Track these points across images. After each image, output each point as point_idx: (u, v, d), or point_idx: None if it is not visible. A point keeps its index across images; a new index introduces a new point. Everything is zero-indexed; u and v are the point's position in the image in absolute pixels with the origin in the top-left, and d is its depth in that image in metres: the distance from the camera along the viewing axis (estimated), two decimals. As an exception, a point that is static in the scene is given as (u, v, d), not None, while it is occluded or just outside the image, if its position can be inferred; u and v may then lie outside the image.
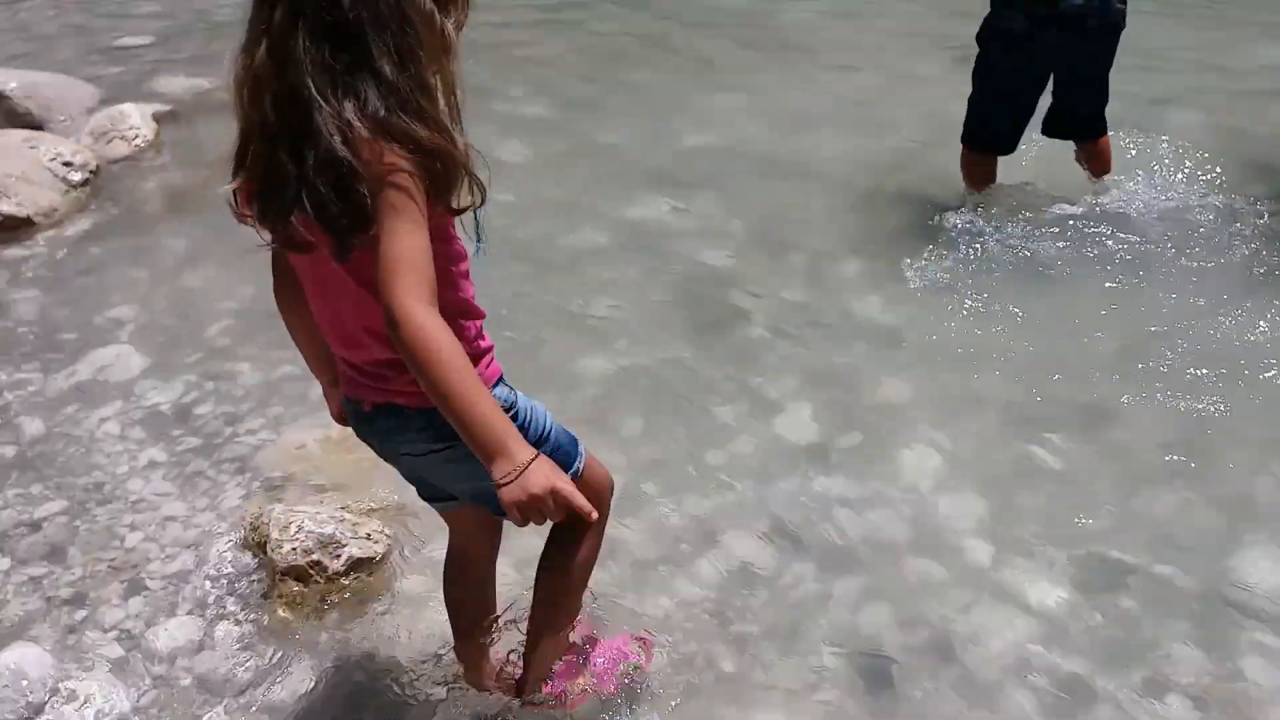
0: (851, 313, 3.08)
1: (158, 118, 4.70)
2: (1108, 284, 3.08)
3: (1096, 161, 3.44)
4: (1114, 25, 3.18)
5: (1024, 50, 3.21)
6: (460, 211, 1.34)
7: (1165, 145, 3.72)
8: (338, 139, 1.23)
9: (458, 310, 1.42)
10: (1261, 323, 2.85)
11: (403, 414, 1.47)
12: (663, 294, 3.22)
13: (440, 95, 1.31)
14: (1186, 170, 3.57)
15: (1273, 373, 2.67)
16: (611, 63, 5.12)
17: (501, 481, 1.27)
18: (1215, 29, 5.15)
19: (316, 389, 2.74)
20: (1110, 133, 3.44)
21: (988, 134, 3.42)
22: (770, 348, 2.94)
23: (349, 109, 1.24)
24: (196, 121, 4.75)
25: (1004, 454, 2.49)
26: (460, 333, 1.37)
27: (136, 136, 4.49)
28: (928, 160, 3.74)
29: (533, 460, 1.28)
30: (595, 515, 1.35)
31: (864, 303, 3.13)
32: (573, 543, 1.69)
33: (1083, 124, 3.39)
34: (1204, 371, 2.67)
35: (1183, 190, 3.48)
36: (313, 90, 1.24)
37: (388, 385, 1.46)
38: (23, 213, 3.79)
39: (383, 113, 1.25)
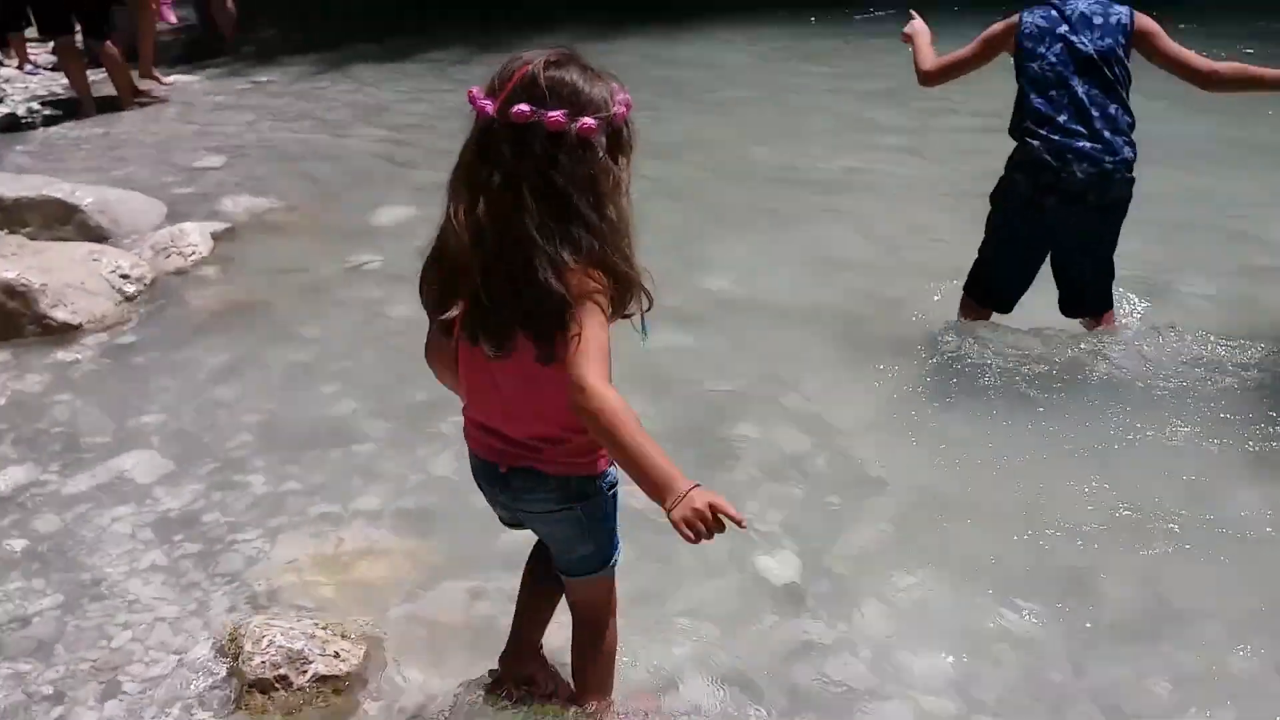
0: (842, 457, 3.13)
1: (216, 236, 5.00)
2: (1097, 445, 3.10)
3: (1104, 334, 3.51)
4: (1114, 203, 3.25)
5: (1027, 215, 3.32)
6: (626, 316, 1.74)
7: (1174, 306, 3.77)
8: (552, 276, 1.62)
9: None
10: (1252, 497, 2.83)
11: (540, 477, 1.83)
12: (662, 426, 3.30)
13: (620, 227, 1.68)
14: (1193, 333, 3.59)
15: (1254, 546, 2.65)
16: (645, 203, 5.34)
17: (670, 506, 1.56)
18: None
19: (317, 505, 2.94)
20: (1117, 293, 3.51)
21: (986, 289, 3.53)
22: (757, 487, 2.99)
23: (566, 252, 1.63)
24: (251, 240, 5.05)
25: (975, 611, 2.49)
26: None
27: (193, 253, 4.78)
28: (939, 309, 3.83)
29: (693, 488, 1.57)
30: (746, 522, 1.62)
31: (855, 448, 3.18)
32: (594, 636, 2.04)
33: (1091, 303, 3.48)
34: (1187, 545, 2.66)
35: (1188, 353, 3.50)
36: (536, 239, 1.63)
37: (537, 455, 1.82)
38: (76, 320, 4.06)
39: (596, 249, 1.65)
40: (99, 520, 2.91)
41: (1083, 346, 3.52)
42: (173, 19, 9.46)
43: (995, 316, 3.60)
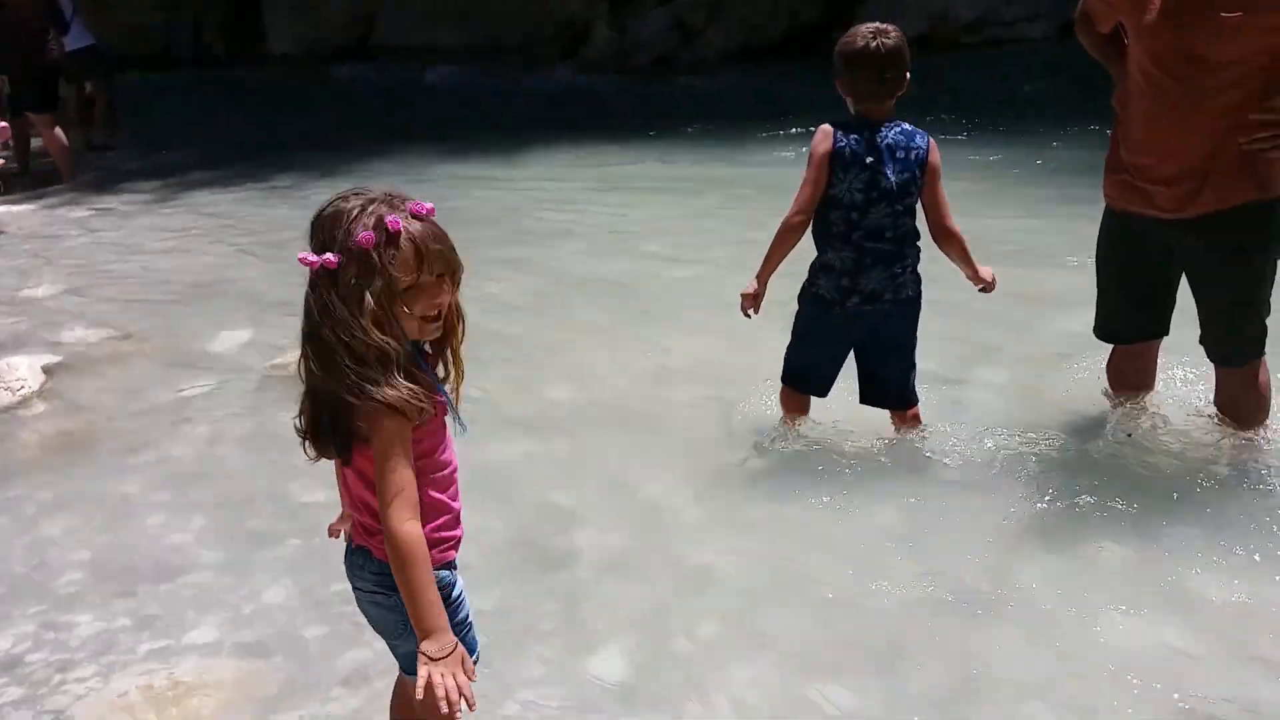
0: (674, 556, 3.27)
1: (47, 368, 4.89)
2: (907, 527, 3.33)
3: (910, 426, 3.78)
4: (909, 301, 3.59)
5: (830, 314, 3.61)
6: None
7: (973, 398, 4.11)
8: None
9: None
10: (1035, 571, 3.08)
11: (368, 556, 1.97)
12: (503, 533, 3.38)
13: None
14: (989, 423, 3.91)
15: (1032, 618, 2.88)
16: (494, 316, 5.48)
17: (425, 651, 1.78)
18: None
19: (146, 641, 2.90)
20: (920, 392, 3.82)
21: (800, 379, 3.81)
22: (592, 588, 3.10)
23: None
24: (84, 371, 4.96)
25: (799, 692, 2.63)
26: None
27: (21, 387, 4.66)
28: (761, 405, 4.06)
29: (455, 649, 1.81)
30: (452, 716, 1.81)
31: (690, 543, 3.33)
32: None
33: (894, 395, 3.75)
34: (979, 611, 2.89)
35: (988, 442, 3.80)
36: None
37: (368, 536, 1.96)
38: (-109, 461, 3.90)
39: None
40: (-92, 673, 2.79)
41: (892, 436, 3.79)
42: None
43: (814, 405, 3.85)
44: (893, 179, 3.44)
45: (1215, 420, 3.57)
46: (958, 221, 3.55)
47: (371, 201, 1.79)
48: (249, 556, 3.30)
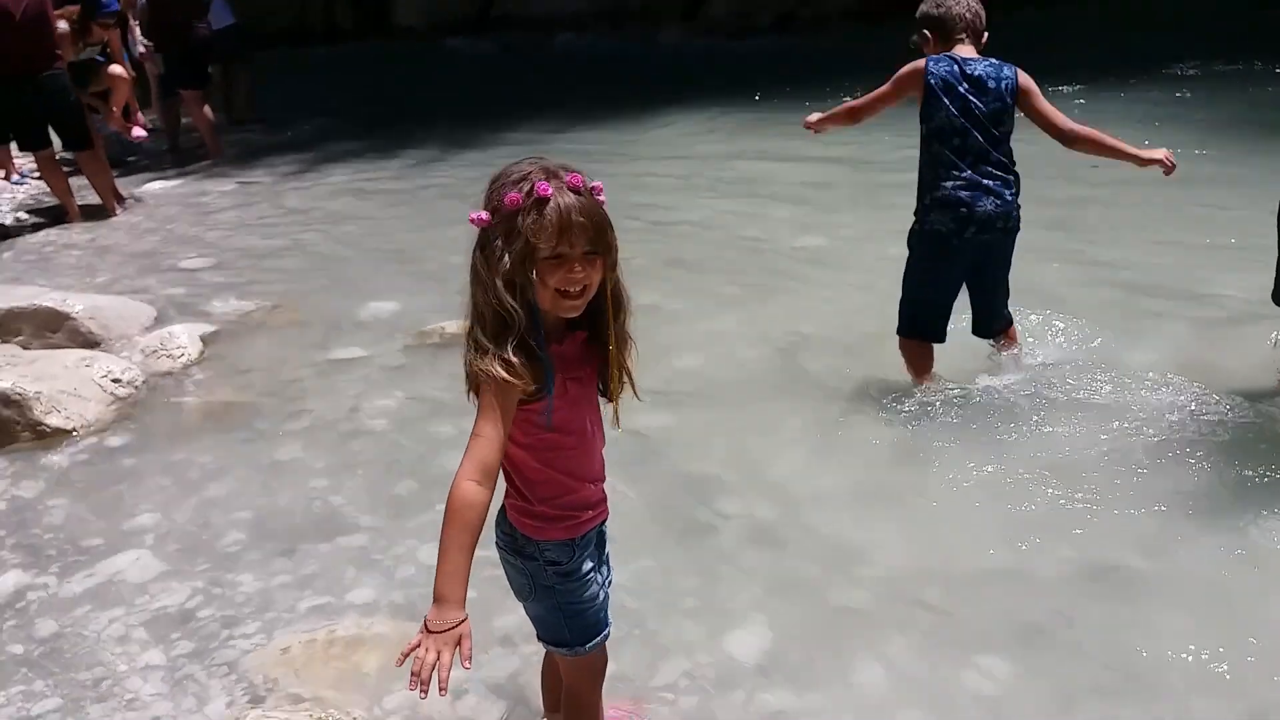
0: (815, 530, 3.24)
1: (204, 337, 5.13)
2: (1052, 490, 3.23)
3: (1010, 344, 3.97)
4: (1015, 228, 3.74)
5: (946, 249, 3.71)
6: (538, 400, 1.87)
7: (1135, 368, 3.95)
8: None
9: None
10: (1197, 551, 2.94)
11: (503, 516, 2.02)
12: (641, 505, 3.40)
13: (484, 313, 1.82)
14: (1151, 394, 3.74)
15: (1197, 599, 2.76)
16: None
17: (426, 617, 1.74)
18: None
19: (307, 599, 3.03)
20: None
21: (920, 326, 3.89)
22: (732, 561, 3.09)
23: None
24: (239, 340, 5.19)
25: (945, 673, 2.58)
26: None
27: (182, 354, 4.91)
28: (893, 370, 4.00)
29: (457, 626, 1.75)
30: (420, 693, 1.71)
31: (831, 514, 3.29)
32: (572, 713, 2.18)
33: (1005, 320, 3.95)
34: (1141, 591, 2.77)
35: (1150, 414, 3.63)
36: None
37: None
38: (69, 425, 4.16)
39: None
40: (96, 623, 2.98)
41: (1030, 389, 3.74)
42: (141, 134, 9.72)
43: (939, 363, 3.90)
44: (985, 108, 3.60)
45: None
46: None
47: (535, 168, 1.80)
48: (401, 520, 3.41)
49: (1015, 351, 3.98)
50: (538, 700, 2.42)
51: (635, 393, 1.98)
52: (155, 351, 4.91)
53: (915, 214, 3.81)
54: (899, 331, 3.93)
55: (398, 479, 3.68)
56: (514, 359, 1.77)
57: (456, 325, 4.33)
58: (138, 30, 10.45)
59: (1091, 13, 13.61)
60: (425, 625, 1.73)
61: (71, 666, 2.79)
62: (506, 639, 2.75)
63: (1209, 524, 3.03)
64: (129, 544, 3.40)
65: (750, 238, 6.32)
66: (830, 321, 4.81)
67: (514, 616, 2.78)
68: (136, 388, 4.55)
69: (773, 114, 9.99)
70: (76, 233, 7.61)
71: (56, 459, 3.99)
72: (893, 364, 4.01)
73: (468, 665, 1.75)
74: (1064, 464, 3.38)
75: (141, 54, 10.46)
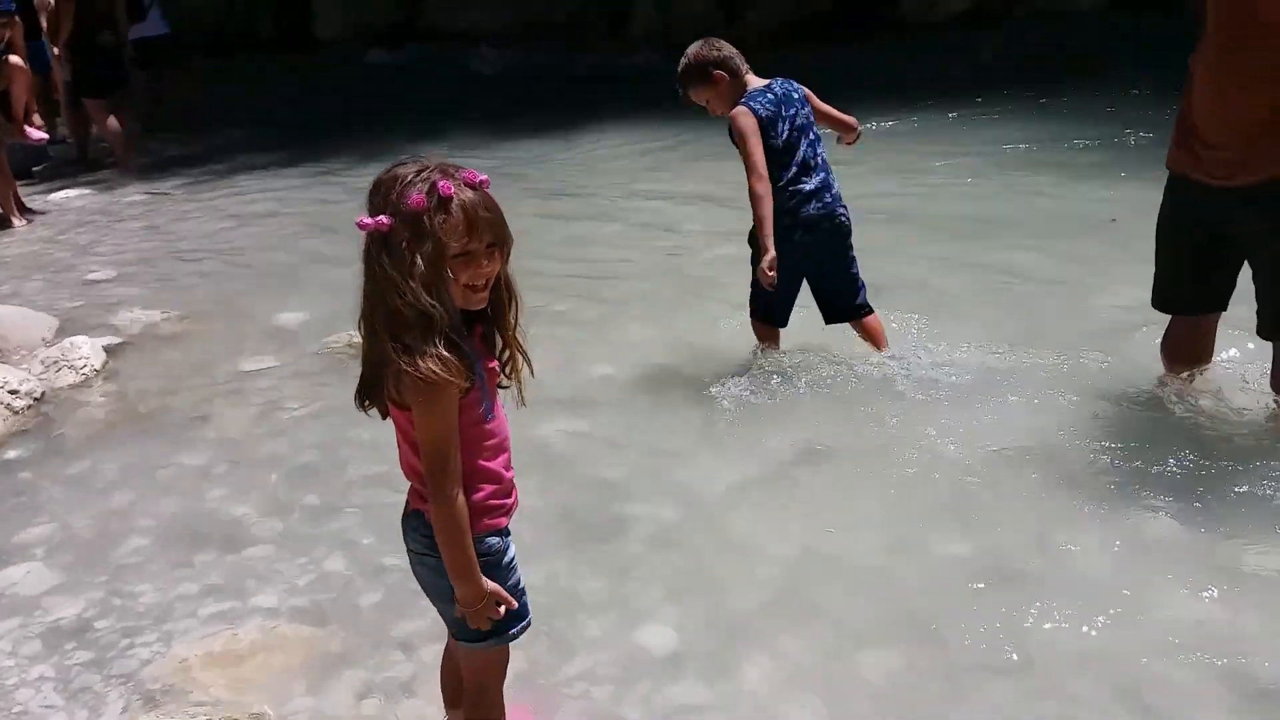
0: (722, 524, 3.30)
1: (109, 349, 5.02)
2: (943, 484, 3.35)
3: (875, 337, 4.22)
4: (842, 228, 4.08)
5: (785, 248, 3.93)
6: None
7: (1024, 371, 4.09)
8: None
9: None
10: (1082, 544, 3.06)
11: (420, 518, 2.00)
12: (553, 508, 3.42)
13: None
14: (1039, 396, 3.88)
15: (1081, 590, 2.88)
16: (539, 294, 5.52)
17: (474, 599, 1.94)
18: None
19: (209, 605, 2.99)
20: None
21: (766, 311, 4.22)
22: (640, 562, 3.14)
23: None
24: (145, 351, 5.10)
25: (840, 664, 2.65)
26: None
27: (85, 366, 4.79)
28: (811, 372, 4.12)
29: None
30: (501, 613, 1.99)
31: (735, 514, 3.36)
32: (474, 707, 2.20)
33: (850, 307, 4.21)
34: (1027, 582, 2.88)
35: (1038, 415, 3.77)
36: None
37: (421, 499, 1.99)
38: (-37, 438, 4.04)
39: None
40: (-14, 635, 2.91)
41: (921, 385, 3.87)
42: (40, 135, 9.48)
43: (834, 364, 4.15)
44: (801, 118, 4.02)
45: (1273, 401, 3.52)
46: None
47: (426, 168, 1.83)
48: (307, 528, 3.38)
49: (886, 351, 4.22)
50: (438, 701, 2.43)
51: (530, 370, 2.05)
52: (56, 363, 4.79)
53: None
54: (751, 315, 4.30)
55: (305, 488, 3.65)
56: (448, 355, 1.80)
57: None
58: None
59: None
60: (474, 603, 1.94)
61: (-41, 681, 2.72)
62: (406, 644, 2.77)
63: (1096, 513, 3.16)
64: (22, 556, 3.32)
65: (663, 248, 6.39)
66: (744, 328, 4.88)
67: (413, 623, 2.81)
68: (36, 400, 4.44)
69: (694, 133, 10.11)
70: (-24, 243, 7.39)
71: (-52, 473, 3.88)
72: (804, 367, 4.11)
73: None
74: (953, 458, 3.50)
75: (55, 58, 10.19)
